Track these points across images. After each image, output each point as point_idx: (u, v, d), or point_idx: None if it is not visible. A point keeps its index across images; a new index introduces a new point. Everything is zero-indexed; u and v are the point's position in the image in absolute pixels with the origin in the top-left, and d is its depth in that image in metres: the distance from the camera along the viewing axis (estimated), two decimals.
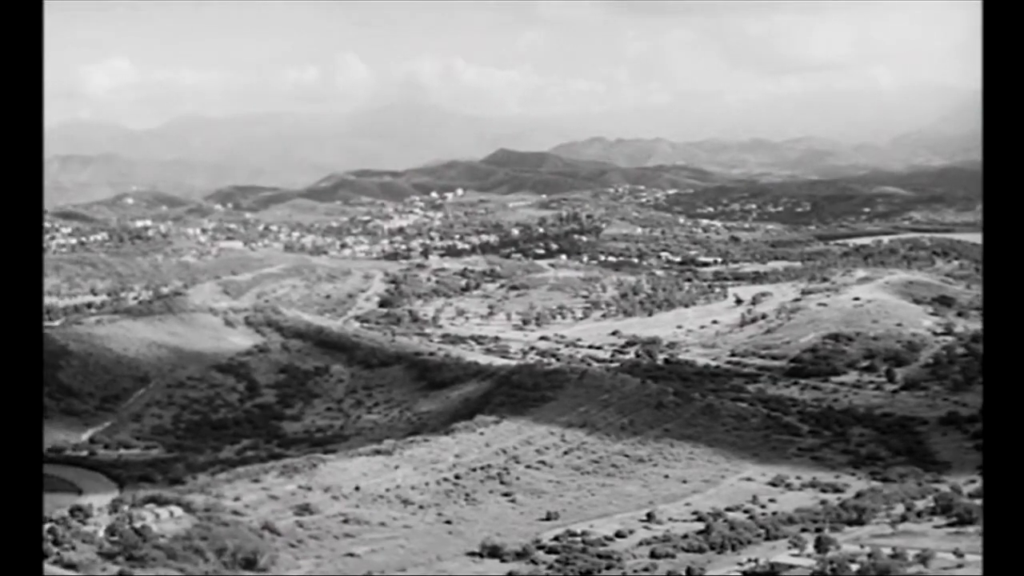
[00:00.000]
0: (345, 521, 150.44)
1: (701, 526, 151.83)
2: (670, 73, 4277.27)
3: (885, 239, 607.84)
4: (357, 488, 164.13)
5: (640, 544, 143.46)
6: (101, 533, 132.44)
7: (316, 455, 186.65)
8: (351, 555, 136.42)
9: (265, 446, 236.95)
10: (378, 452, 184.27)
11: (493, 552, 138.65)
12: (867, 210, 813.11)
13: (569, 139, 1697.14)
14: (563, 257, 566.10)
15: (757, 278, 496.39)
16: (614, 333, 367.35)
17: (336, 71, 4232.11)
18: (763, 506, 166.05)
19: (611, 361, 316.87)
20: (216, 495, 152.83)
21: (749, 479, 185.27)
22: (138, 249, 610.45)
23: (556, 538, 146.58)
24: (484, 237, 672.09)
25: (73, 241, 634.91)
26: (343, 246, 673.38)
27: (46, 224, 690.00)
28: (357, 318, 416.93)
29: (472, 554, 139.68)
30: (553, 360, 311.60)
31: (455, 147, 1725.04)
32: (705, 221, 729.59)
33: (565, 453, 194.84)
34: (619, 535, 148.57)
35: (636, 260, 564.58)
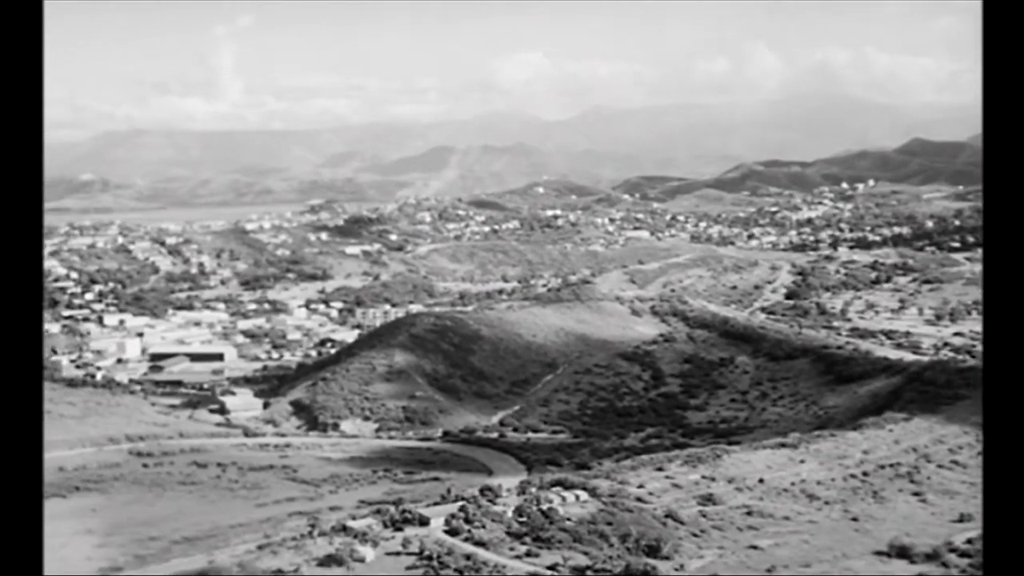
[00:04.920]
0: (748, 513, 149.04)
1: None
2: None
3: None
4: (761, 480, 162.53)
5: None
6: (509, 513, 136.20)
7: (720, 446, 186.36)
8: (754, 547, 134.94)
9: (669, 435, 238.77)
10: (783, 445, 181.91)
11: (902, 552, 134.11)
12: None
13: None
14: (980, 251, 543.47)
15: None
16: None
17: (746, 61, 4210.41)
18: None
19: None
20: (621, 481, 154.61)
21: None
22: (547, 237, 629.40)
23: (969, 541, 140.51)
24: (896, 229, 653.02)
25: (486, 229, 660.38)
26: (750, 237, 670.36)
27: (460, 212, 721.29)
28: (763, 309, 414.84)
29: (879, 553, 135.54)
30: (968, 357, 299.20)
31: (867, 137, 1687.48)
32: None
33: (979, 454, 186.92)
34: None
35: None
